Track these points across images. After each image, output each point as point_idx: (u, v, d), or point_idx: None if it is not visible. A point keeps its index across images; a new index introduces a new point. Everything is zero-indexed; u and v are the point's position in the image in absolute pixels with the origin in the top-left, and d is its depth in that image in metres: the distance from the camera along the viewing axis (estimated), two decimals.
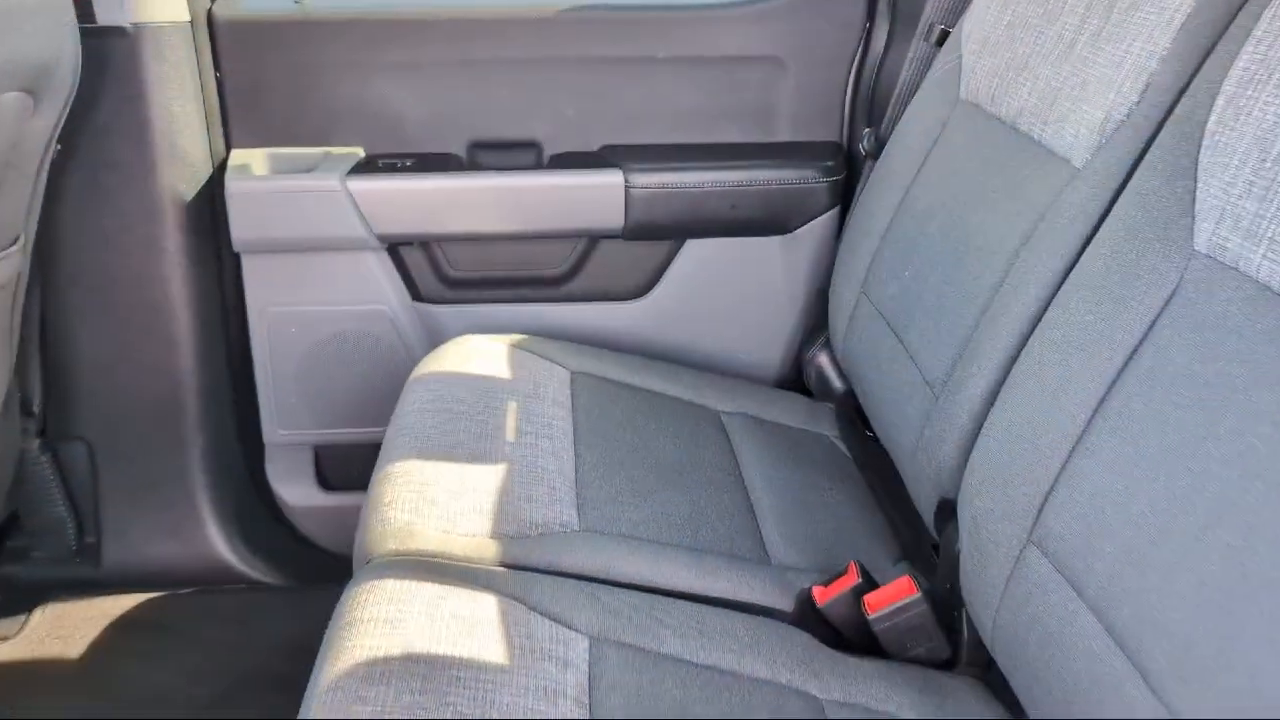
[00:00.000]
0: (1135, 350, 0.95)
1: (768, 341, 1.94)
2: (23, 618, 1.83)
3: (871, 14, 1.84)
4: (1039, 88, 1.29)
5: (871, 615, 1.19)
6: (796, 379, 1.93)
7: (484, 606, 1.07)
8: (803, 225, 1.89)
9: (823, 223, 1.88)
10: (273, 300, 1.87)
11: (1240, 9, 1.01)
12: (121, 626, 1.83)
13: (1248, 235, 0.87)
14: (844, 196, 1.87)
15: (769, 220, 1.88)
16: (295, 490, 1.98)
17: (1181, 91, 1.05)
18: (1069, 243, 1.11)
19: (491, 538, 1.23)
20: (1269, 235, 0.85)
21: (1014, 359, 1.13)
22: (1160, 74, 1.08)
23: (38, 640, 1.79)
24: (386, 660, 0.97)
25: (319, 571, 1.96)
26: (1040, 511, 0.99)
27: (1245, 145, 0.90)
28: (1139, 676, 0.81)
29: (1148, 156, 1.04)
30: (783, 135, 1.90)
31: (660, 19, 1.86)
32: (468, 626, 1.04)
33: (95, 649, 1.78)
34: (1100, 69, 1.17)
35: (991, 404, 1.14)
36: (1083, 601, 0.91)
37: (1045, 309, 1.10)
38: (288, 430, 1.95)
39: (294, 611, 1.88)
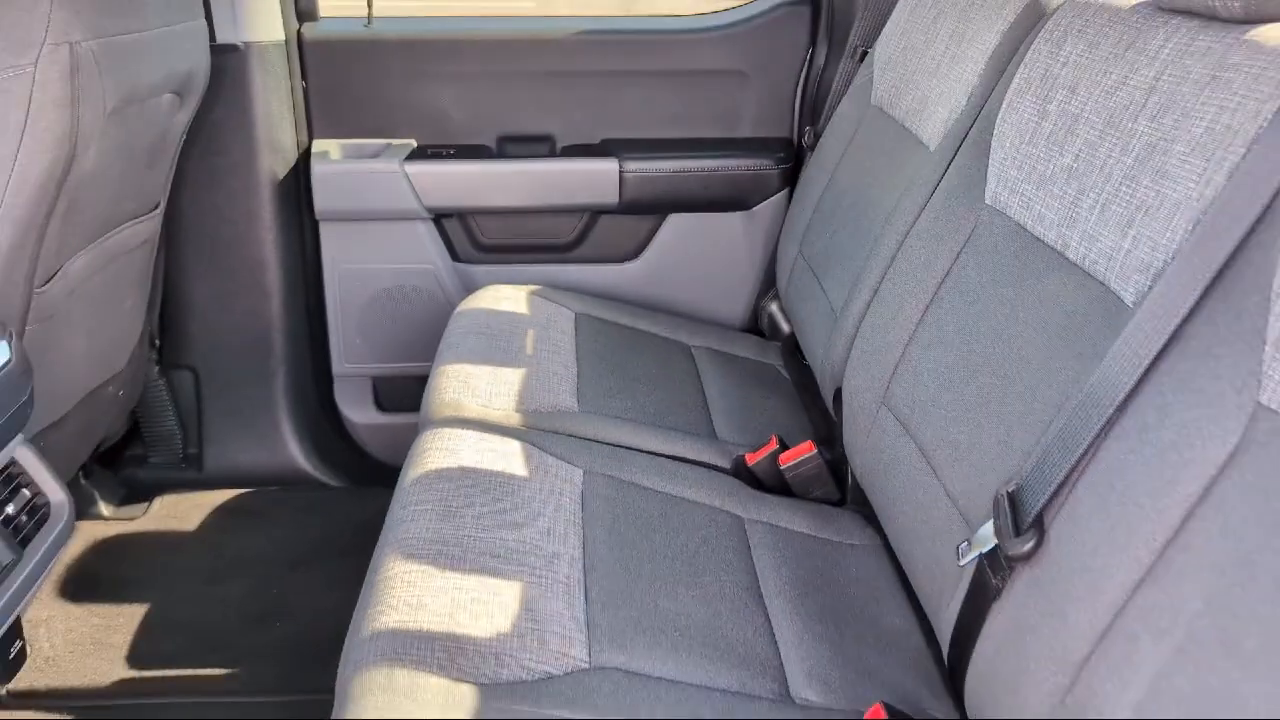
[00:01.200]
0: (946, 274, 1.44)
1: (732, 294, 2.44)
2: (145, 506, 2.33)
3: (814, 38, 2.34)
4: (918, 95, 1.78)
5: (783, 466, 1.68)
6: (754, 324, 2.43)
7: (511, 447, 1.57)
8: (760, 203, 2.39)
9: (775, 201, 2.38)
10: (343, 259, 2.37)
11: (1023, 42, 1.50)
12: (220, 512, 2.34)
13: (1011, 192, 1.36)
14: (791, 180, 2.37)
15: (733, 199, 2.38)
16: (357, 411, 2.48)
17: (986, 99, 1.54)
18: (918, 203, 1.60)
19: (516, 411, 1.73)
20: (1021, 191, 1.34)
21: (879, 285, 1.62)
22: (977, 87, 1.57)
23: (158, 521, 2.29)
24: (448, 470, 1.47)
25: (373, 476, 2.45)
26: (889, 383, 1.48)
27: (1013, 133, 1.39)
28: (933, 474, 1.29)
29: (964, 142, 1.53)
30: (745, 132, 2.40)
31: (649, 40, 2.36)
32: (502, 457, 1.53)
33: (201, 528, 2.28)
34: (947, 84, 1.66)
35: (864, 318, 1.63)
36: (909, 437, 1.39)
37: (898, 250, 1.59)
38: (352, 364, 2.45)
39: (353, 505, 2.38)
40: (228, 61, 2.16)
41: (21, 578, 1.46)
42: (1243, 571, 0.76)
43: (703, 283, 2.44)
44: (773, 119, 2.40)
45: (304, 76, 2.31)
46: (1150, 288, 1.00)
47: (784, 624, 1.34)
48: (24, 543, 1.49)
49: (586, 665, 1.18)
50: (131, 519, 2.29)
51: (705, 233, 2.42)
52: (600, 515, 1.47)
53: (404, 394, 2.47)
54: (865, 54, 2.11)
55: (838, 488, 1.70)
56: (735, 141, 2.40)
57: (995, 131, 1.43)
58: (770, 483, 1.71)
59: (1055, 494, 0.98)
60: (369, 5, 2.33)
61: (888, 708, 1.18)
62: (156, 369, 2.36)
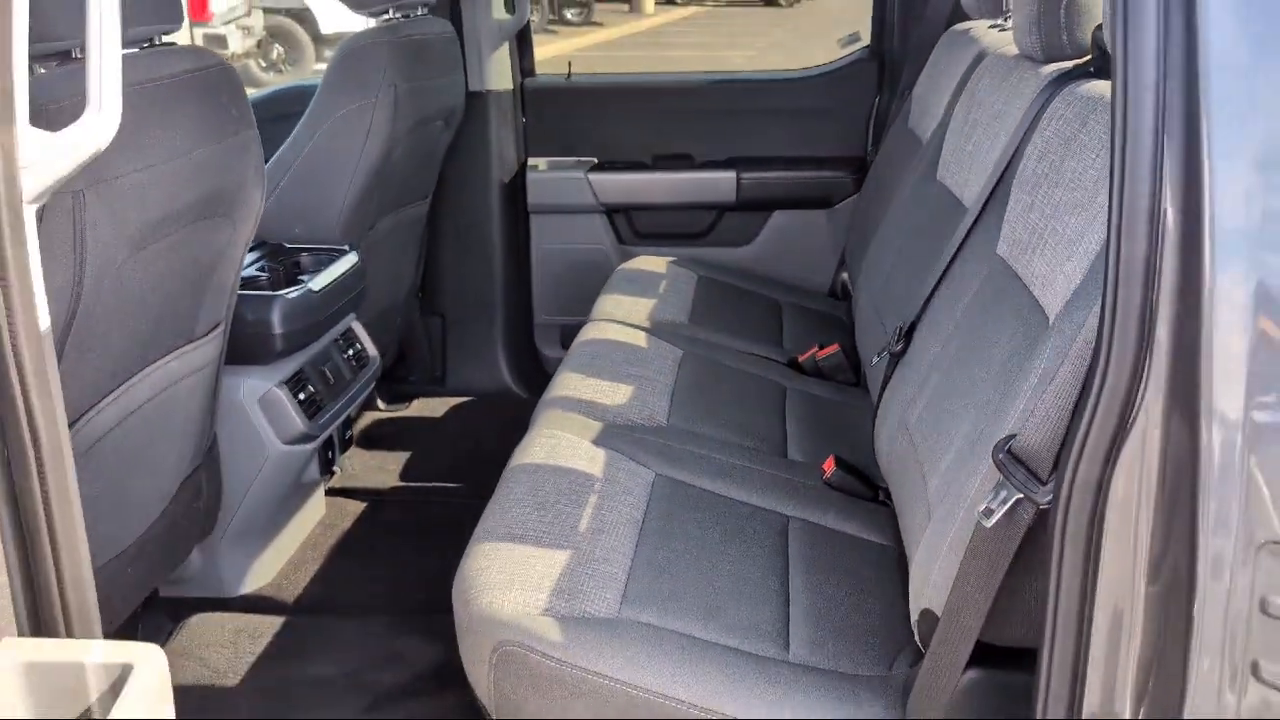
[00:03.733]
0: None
1: (817, 268, 3.33)
2: (406, 404, 3.41)
3: (880, 84, 3.24)
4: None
5: (819, 358, 2.56)
6: (832, 289, 3.31)
7: (641, 353, 2.51)
8: (839, 203, 3.29)
9: (849, 201, 3.27)
10: (545, 240, 3.41)
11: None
12: (454, 411, 3.38)
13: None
14: (860, 186, 3.25)
15: (819, 199, 3.29)
16: (549, 348, 3.50)
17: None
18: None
19: (646, 324, 2.66)
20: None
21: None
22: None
23: (415, 414, 3.37)
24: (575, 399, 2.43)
25: None
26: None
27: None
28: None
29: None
30: (828, 151, 3.31)
31: (762, 86, 3.33)
32: (637, 362, 2.47)
33: (443, 419, 3.34)
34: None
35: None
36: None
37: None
38: (546, 315, 3.48)
39: None
40: (475, 102, 3.24)
41: (347, 396, 2.51)
42: (963, 318, 1.62)
43: (797, 259, 3.34)
44: (849, 142, 3.30)
45: (524, 114, 3.38)
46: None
47: (800, 605, 1.63)
48: (352, 377, 2.54)
49: (616, 616, 1.52)
50: (397, 413, 3.37)
51: (799, 224, 3.33)
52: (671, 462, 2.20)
53: None
54: (907, 93, 2.99)
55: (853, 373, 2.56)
56: (821, 159, 3.31)
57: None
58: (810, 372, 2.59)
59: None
60: (568, 67, 3.39)
61: (839, 460, 2.04)
62: (418, 313, 3.45)
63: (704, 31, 18.39)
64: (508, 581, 1.55)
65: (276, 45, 11.94)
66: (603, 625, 1.50)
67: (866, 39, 3.33)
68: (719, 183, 3.30)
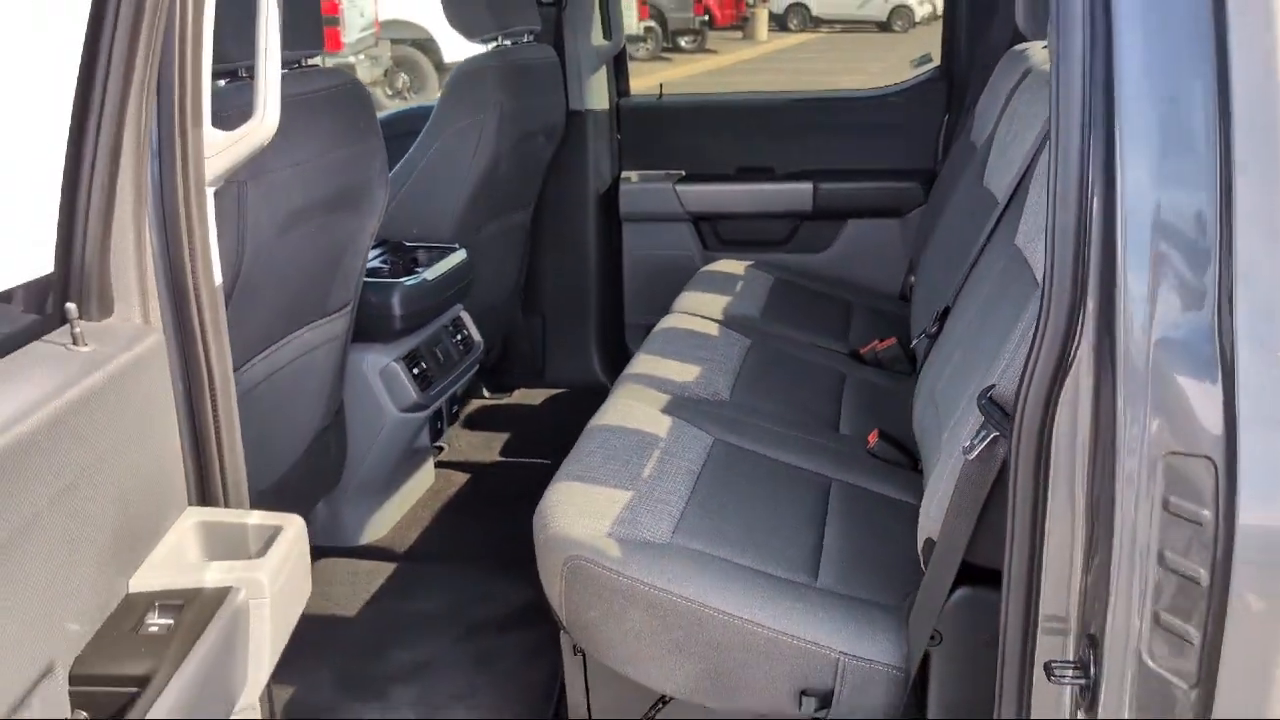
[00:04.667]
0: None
1: (890, 273, 3.56)
2: (508, 394, 3.75)
3: (949, 102, 3.47)
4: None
5: (879, 350, 2.80)
6: (902, 291, 3.53)
7: (664, 410, 2.79)
8: (909, 212, 3.52)
9: (919, 211, 3.50)
10: (637, 246, 3.72)
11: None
12: (552, 400, 3.71)
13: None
14: (929, 197, 3.48)
15: (891, 209, 3.53)
16: (638, 346, 3.79)
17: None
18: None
19: (720, 317, 2.94)
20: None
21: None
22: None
23: (516, 401, 3.70)
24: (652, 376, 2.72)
25: None
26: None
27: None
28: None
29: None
30: (899, 164, 3.55)
31: (838, 104, 3.59)
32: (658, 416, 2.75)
33: (540, 407, 3.67)
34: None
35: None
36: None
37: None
38: (636, 316, 3.78)
39: None
40: (575, 120, 3.58)
41: (454, 374, 2.84)
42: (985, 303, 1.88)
43: (869, 265, 3.58)
44: (919, 155, 3.53)
45: (619, 131, 3.70)
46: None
47: (832, 547, 1.86)
48: (459, 358, 2.89)
49: (668, 541, 1.79)
50: (500, 400, 3.72)
51: (872, 232, 3.57)
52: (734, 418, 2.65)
53: None
54: (971, 109, 3.21)
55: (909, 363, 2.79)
56: (893, 171, 3.55)
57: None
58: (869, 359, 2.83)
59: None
60: (660, 88, 3.71)
61: (882, 433, 2.29)
62: (521, 313, 3.80)
63: (819, 57, 18.55)
64: (578, 511, 1.84)
65: (402, 74, 12.61)
66: (656, 548, 1.79)
67: (938, 60, 3.57)
68: (797, 193, 3.57)
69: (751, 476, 2.10)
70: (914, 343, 2.37)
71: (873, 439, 2.31)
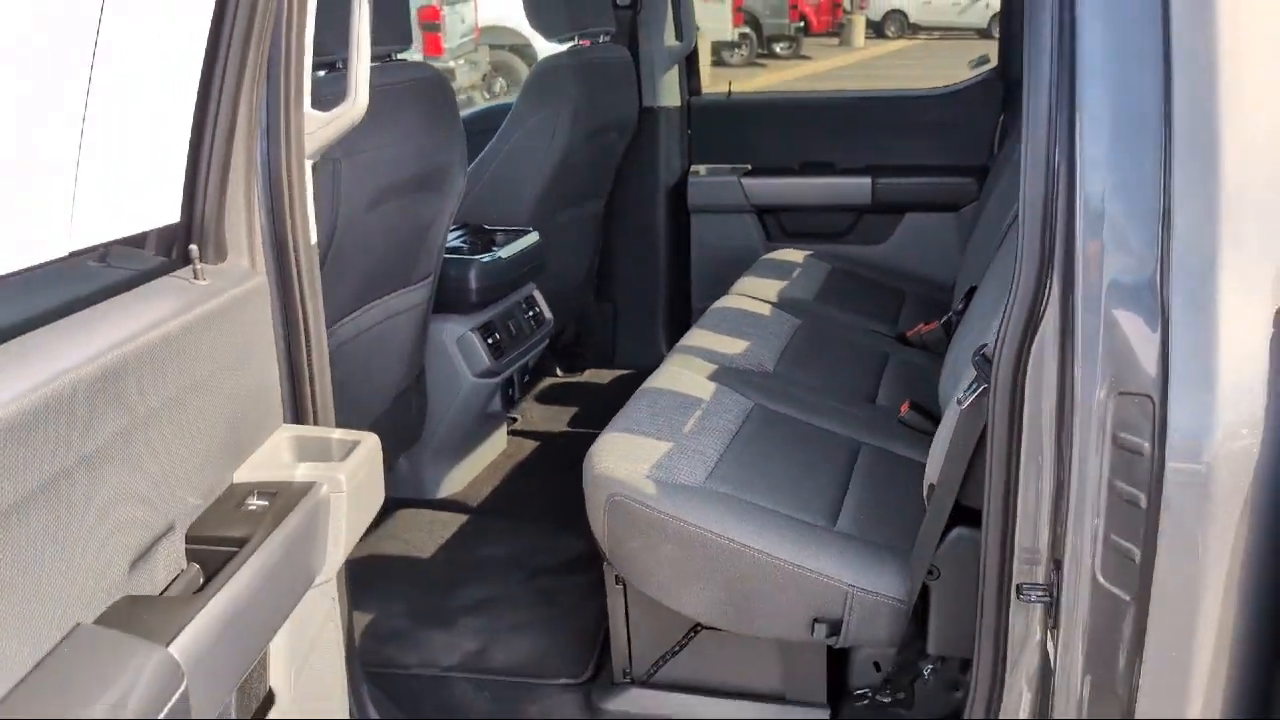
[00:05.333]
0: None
1: (945, 265, 3.71)
2: (579, 373, 3.99)
3: (1005, 101, 3.61)
4: None
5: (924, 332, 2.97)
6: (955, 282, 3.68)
7: (709, 377, 2.99)
8: (965, 206, 3.66)
9: (975, 205, 3.65)
10: (704, 237, 3.94)
11: None
12: (620, 380, 3.94)
13: None
14: (981, 192, 3.62)
15: (948, 203, 3.68)
16: None
17: None
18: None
19: (773, 299, 3.14)
20: None
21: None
22: None
23: (586, 380, 3.95)
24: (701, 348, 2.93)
25: None
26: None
27: None
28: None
29: None
30: (958, 160, 3.70)
31: (897, 103, 3.75)
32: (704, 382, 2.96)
33: (608, 385, 3.90)
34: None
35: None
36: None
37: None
38: (702, 301, 3.98)
39: None
40: (647, 117, 3.81)
41: (525, 346, 3.09)
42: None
43: (926, 257, 3.74)
44: (975, 152, 3.68)
45: (689, 127, 3.92)
46: None
47: (852, 499, 2.06)
48: (530, 332, 3.14)
49: (701, 485, 2.01)
50: (571, 379, 3.96)
51: (928, 225, 3.73)
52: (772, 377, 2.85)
53: None
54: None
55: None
56: (949, 167, 3.70)
57: None
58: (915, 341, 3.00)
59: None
60: (729, 86, 3.92)
61: (914, 403, 2.47)
62: (594, 299, 4.04)
63: (916, 64, 18.41)
64: (621, 456, 2.07)
65: (500, 78, 13.03)
66: (689, 489, 2.00)
67: (994, 61, 3.72)
68: (857, 187, 3.74)
69: (785, 437, 2.30)
70: (944, 320, 2.54)
71: (905, 409, 2.49)
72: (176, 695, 0.99)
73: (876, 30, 22.62)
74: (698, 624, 2.08)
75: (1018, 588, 1.55)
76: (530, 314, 3.13)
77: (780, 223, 3.90)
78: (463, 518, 2.87)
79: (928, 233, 3.74)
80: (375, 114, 1.94)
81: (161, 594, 1.20)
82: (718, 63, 17.40)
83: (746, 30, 20.67)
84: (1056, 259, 1.45)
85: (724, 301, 3.07)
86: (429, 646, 2.35)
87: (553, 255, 3.27)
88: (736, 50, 19.93)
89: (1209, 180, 1.32)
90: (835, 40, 21.76)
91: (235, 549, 1.26)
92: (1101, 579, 1.44)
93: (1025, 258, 1.48)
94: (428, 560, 2.69)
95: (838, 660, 2.10)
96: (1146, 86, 1.37)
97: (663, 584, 1.98)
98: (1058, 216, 1.44)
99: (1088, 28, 1.41)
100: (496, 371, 2.88)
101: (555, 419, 3.56)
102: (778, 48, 21.00)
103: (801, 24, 21.34)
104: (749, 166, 3.89)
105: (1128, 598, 1.40)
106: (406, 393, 2.66)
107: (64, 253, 1.14)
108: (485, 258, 2.86)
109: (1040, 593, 1.53)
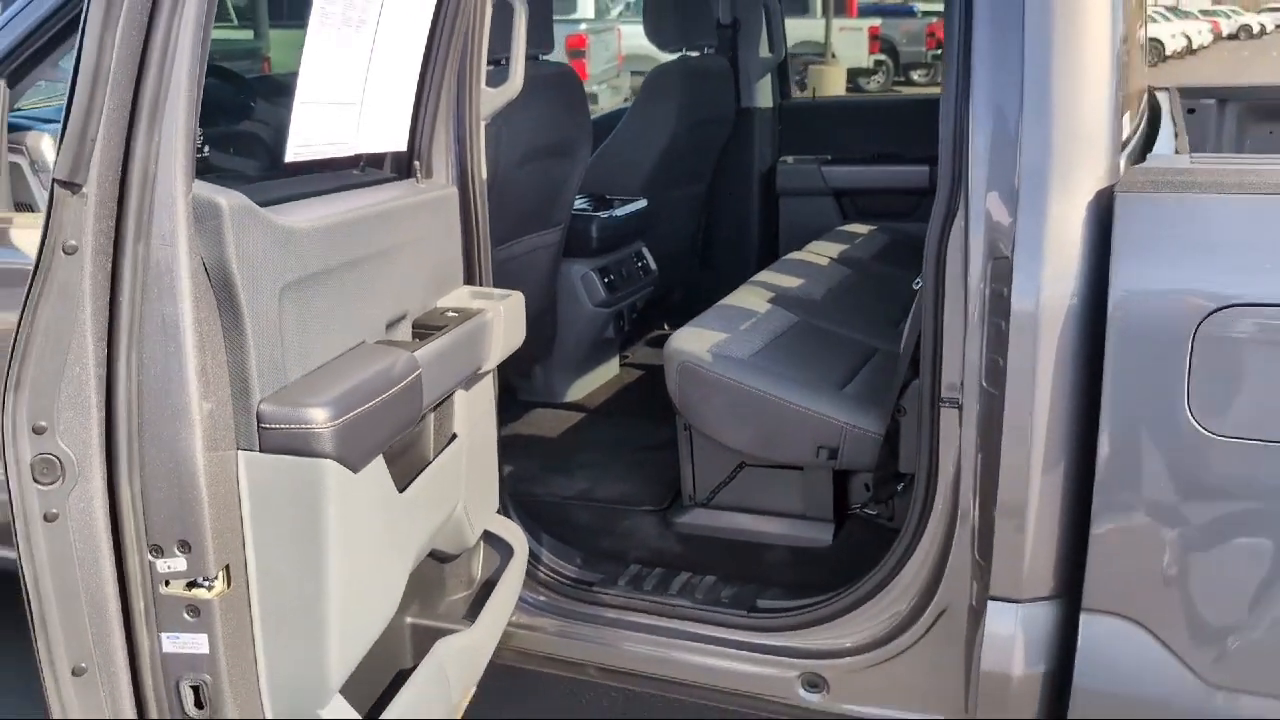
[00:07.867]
0: None
1: None
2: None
3: None
4: None
5: None
6: None
7: (768, 300, 3.78)
8: None
9: None
10: (791, 216, 4.73)
11: None
12: None
13: None
14: None
15: None
16: None
17: None
18: None
19: (826, 254, 3.92)
20: None
21: None
22: None
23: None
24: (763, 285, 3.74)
25: None
26: None
27: None
28: None
29: None
30: None
31: None
32: (762, 302, 3.75)
33: None
34: None
35: None
36: None
37: None
38: None
39: None
40: (743, 116, 4.64)
41: (634, 287, 3.94)
42: None
43: None
44: None
45: (779, 123, 4.74)
46: None
47: (863, 379, 2.79)
48: (639, 279, 4.00)
49: (746, 359, 2.76)
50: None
51: None
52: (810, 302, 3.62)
53: None
54: None
55: None
56: None
57: None
58: None
59: None
60: (813, 91, 4.72)
61: None
62: (698, 269, 4.87)
63: None
64: (691, 339, 2.90)
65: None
66: (737, 360, 2.82)
67: None
68: (917, 174, 4.48)
69: (817, 339, 3.10)
70: None
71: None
72: (413, 375, 1.88)
73: None
74: (742, 461, 2.89)
75: (942, 399, 2.32)
76: (639, 264, 3.99)
77: (854, 204, 4.67)
78: (581, 415, 3.75)
79: None
80: (525, 95, 2.83)
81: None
82: (853, 89, 18.04)
83: (883, 58, 21.20)
84: (962, 177, 2.22)
85: (793, 254, 3.87)
86: (554, 485, 3.22)
87: (662, 225, 4.12)
88: (873, 77, 20.50)
89: (1044, 126, 2.08)
90: None
91: (434, 332, 2.15)
92: (985, 384, 2.20)
93: (942, 170, 2.26)
94: (553, 439, 3.57)
95: (840, 487, 2.88)
96: (1011, 66, 2.14)
97: (715, 425, 2.80)
98: (963, 151, 2.22)
99: (977, 29, 2.19)
100: (610, 304, 3.74)
101: (658, 358, 4.40)
102: (915, 75, 21.48)
103: (939, 51, 21.74)
104: (829, 156, 4.67)
105: (996, 392, 2.16)
106: (543, 314, 3.54)
107: (353, 152, 2.05)
108: (604, 214, 3.74)
109: (954, 397, 2.30)
